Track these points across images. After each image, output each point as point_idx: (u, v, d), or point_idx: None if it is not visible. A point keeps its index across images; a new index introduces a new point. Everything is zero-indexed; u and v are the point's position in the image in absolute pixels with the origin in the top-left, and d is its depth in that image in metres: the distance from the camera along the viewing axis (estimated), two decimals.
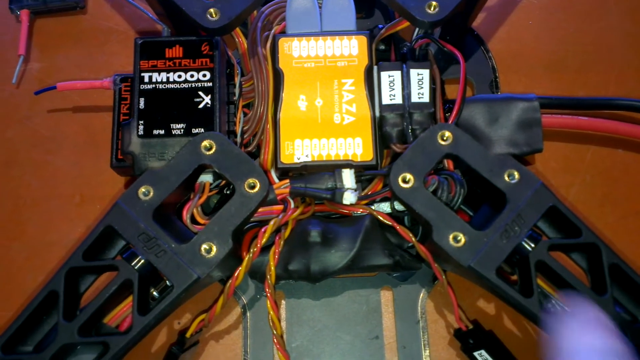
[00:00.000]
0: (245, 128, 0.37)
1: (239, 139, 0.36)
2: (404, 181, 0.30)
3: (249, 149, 0.37)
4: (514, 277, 0.32)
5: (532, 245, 0.30)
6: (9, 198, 0.38)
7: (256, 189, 0.30)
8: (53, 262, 0.36)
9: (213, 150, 0.31)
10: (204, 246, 0.29)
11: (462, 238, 0.29)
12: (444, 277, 0.33)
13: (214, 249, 0.29)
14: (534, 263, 0.29)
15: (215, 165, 0.31)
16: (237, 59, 0.38)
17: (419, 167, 0.31)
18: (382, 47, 0.39)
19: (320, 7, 0.38)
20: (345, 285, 0.37)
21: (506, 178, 0.30)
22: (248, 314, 0.36)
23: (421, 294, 0.37)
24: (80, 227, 0.37)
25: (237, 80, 0.37)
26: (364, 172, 0.35)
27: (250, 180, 0.30)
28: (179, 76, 0.34)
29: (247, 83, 0.38)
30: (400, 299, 0.36)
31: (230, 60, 0.37)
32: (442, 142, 0.31)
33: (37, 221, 0.38)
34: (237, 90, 0.37)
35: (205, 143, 0.31)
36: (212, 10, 0.33)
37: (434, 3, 0.33)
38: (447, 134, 0.31)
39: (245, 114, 0.37)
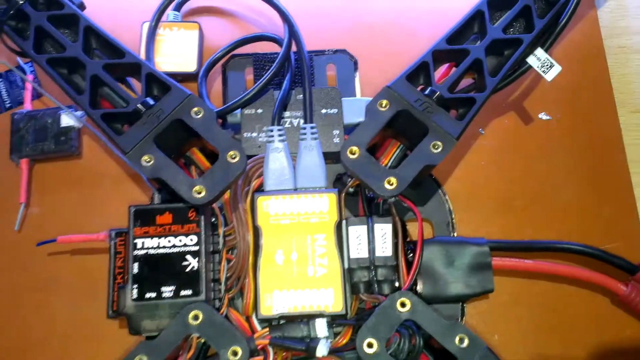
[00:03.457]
0: (228, 275, 0.41)
1: (222, 286, 0.40)
2: (369, 346, 0.35)
3: (232, 294, 0.41)
4: None
5: None
6: (14, 338, 0.42)
7: (238, 356, 0.34)
8: None
9: (200, 319, 0.35)
10: None
11: None
12: None
13: None
14: None
15: (201, 335, 0.35)
16: (219, 205, 0.42)
17: (381, 333, 0.35)
18: (352, 190, 0.44)
19: (294, 167, 0.42)
20: None
21: (457, 342, 0.35)
22: None
23: None
24: None
25: (220, 231, 0.41)
26: (335, 322, 0.39)
27: (234, 348, 0.34)
28: (169, 241, 0.38)
29: (229, 231, 0.42)
30: None
31: (214, 211, 0.41)
32: (401, 309, 0.36)
33: None
34: (220, 240, 0.41)
35: (193, 313, 0.35)
36: (197, 187, 0.37)
37: (392, 179, 0.38)
38: (406, 302, 0.36)
39: (229, 261, 0.41)
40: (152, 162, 0.37)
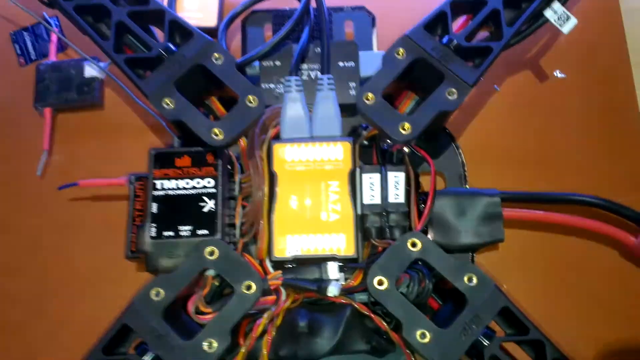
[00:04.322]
0: (243, 220, 0.42)
1: (237, 231, 0.41)
2: (379, 284, 0.36)
3: (246, 239, 0.42)
4: None
5: (487, 341, 0.35)
6: (34, 280, 0.43)
7: (252, 290, 0.35)
8: (72, 341, 0.41)
9: (215, 255, 0.36)
10: (206, 343, 0.34)
11: (427, 335, 0.35)
12: (412, 358, 0.38)
13: (215, 344, 0.34)
14: (488, 357, 0.35)
15: (216, 269, 0.36)
16: (236, 154, 0.43)
17: (392, 271, 0.36)
18: (366, 142, 0.45)
19: (310, 114, 0.43)
20: None
21: (466, 281, 0.36)
22: None
23: None
24: (98, 307, 0.42)
25: (237, 177, 0.42)
26: (347, 265, 0.40)
27: (247, 283, 0.35)
28: (187, 183, 0.39)
29: (245, 179, 0.43)
30: None
31: (231, 158, 0.42)
32: (412, 249, 0.36)
33: (58, 302, 0.43)
34: (236, 187, 0.42)
35: (208, 249, 0.36)
36: (216, 130, 0.38)
37: (406, 125, 0.38)
38: (417, 241, 0.36)
39: (244, 207, 0.42)
40: (173, 105, 0.38)
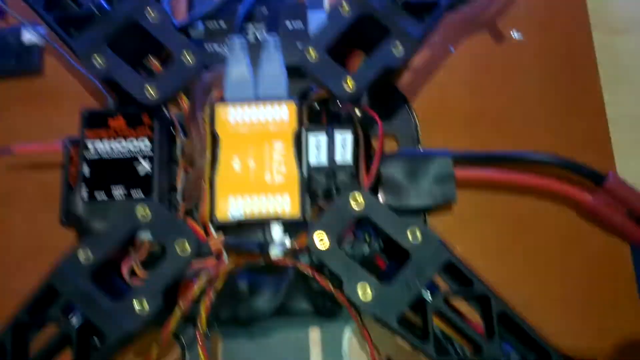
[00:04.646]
0: (186, 185, 0.41)
1: (179, 196, 0.40)
2: (320, 241, 0.34)
3: (189, 204, 0.40)
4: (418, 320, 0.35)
5: (430, 296, 0.34)
6: None
7: (186, 250, 0.34)
8: (9, 311, 0.39)
9: (147, 215, 0.34)
10: (137, 303, 0.33)
11: (369, 292, 0.33)
12: (359, 321, 0.37)
13: (146, 305, 0.33)
14: (431, 311, 0.33)
15: (149, 229, 0.34)
16: (179, 118, 0.41)
17: (334, 228, 0.34)
18: (317, 107, 0.43)
19: (255, 75, 0.42)
20: (277, 326, 0.40)
21: (409, 237, 0.34)
22: (187, 355, 0.39)
23: (346, 332, 0.40)
24: (35, 277, 0.40)
25: (178, 140, 0.41)
26: (292, 227, 0.39)
27: (181, 243, 0.34)
28: (121, 145, 0.38)
29: (188, 143, 0.41)
30: (327, 337, 0.40)
31: (173, 122, 0.41)
32: (354, 206, 0.35)
33: None
34: (178, 151, 0.41)
35: (140, 209, 0.34)
36: (149, 87, 0.37)
37: (350, 81, 0.37)
38: (359, 198, 0.35)
39: (187, 172, 0.41)
40: (103, 63, 0.37)
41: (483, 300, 0.34)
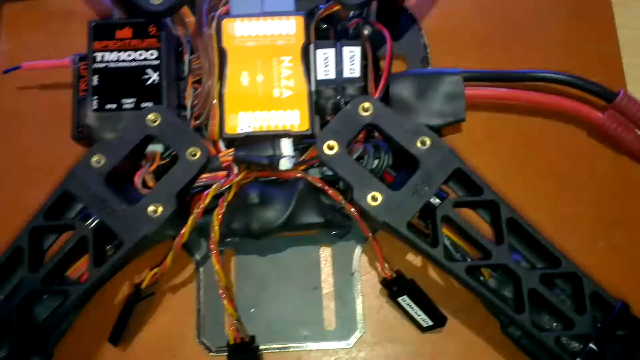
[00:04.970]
0: (195, 102, 0.41)
1: (188, 113, 0.40)
2: (329, 148, 0.34)
3: (199, 121, 0.40)
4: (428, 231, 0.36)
5: (439, 202, 0.34)
6: None
7: (197, 157, 0.34)
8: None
9: (158, 122, 0.35)
10: (151, 207, 0.33)
11: (378, 197, 0.34)
12: (370, 233, 0.37)
13: (160, 209, 0.33)
14: (440, 217, 0.34)
15: (160, 136, 0.34)
16: (187, 38, 0.41)
17: (343, 135, 0.34)
18: (324, 25, 0.43)
19: None
20: (289, 242, 0.41)
21: (419, 144, 0.34)
22: (200, 270, 0.40)
23: (356, 250, 0.41)
24: (48, 193, 0.41)
25: (186, 58, 0.41)
26: (301, 141, 0.39)
27: (192, 149, 0.34)
28: (129, 55, 0.38)
29: (196, 61, 0.41)
30: (338, 254, 0.41)
31: (181, 39, 0.41)
32: (363, 113, 0.35)
33: (8, 190, 0.42)
34: (186, 68, 0.40)
35: (151, 116, 0.35)
36: None
37: None
38: (368, 105, 0.35)
39: (195, 90, 0.41)
40: None
41: (492, 207, 0.34)
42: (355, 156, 0.36)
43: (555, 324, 0.34)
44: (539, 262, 0.35)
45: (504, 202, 0.34)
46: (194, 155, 0.34)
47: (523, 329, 0.33)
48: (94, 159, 0.34)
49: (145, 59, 0.37)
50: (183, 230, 0.35)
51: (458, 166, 0.34)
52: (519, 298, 0.33)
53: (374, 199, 0.34)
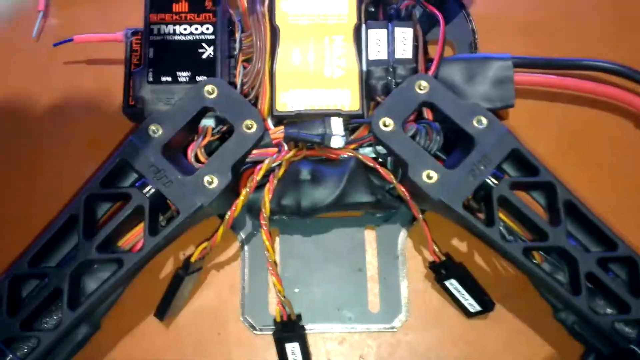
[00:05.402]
0: (244, 80, 0.40)
1: (238, 90, 0.40)
2: (385, 125, 0.34)
3: (248, 99, 0.40)
4: (481, 215, 0.35)
5: (496, 182, 0.34)
6: (28, 142, 0.42)
7: (253, 129, 0.34)
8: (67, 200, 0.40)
9: (215, 94, 0.34)
10: (207, 178, 0.33)
11: (434, 175, 0.33)
12: (420, 215, 0.37)
13: (215, 181, 0.33)
14: (496, 198, 0.33)
15: (216, 108, 0.34)
16: (238, 17, 0.41)
17: (398, 112, 0.34)
18: (372, 8, 0.43)
19: None
20: (333, 223, 0.41)
21: (475, 123, 0.34)
22: (246, 248, 0.40)
23: (401, 233, 0.41)
24: (95, 167, 0.41)
25: (237, 36, 0.41)
26: (351, 121, 0.39)
27: (248, 122, 0.34)
28: (185, 29, 0.38)
29: (246, 39, 0.41)
30: (382, 237, 0.40)
31: (232, 18, 0.41)
32: (419, 91, 0.35)
33: (55, 163, 0.42)
34: (237, 45, 0.40)
35: (208, 87, 0.35)
36: None
37: None
38: (424, 83, 0.35)
39: (245, 68, 0.41)
40: None
41: (549, 189, 0.34)
42: (409, 134, 0.36)
43: (609, 310, 0.34)
44: (594, 246, 0.34)
45: (561, 184, 0.34)
46: (250, 128, 0.34)
47: (578, 313, 0.33)
48: (152, 127, 0.34)
49: (201, 33, 0.37)
50: (236, 203, 0.35)
51: (515, 146, 0.34)
52: (575, 281, 0.33)
53: (430, 176, 0.34)
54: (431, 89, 0.35)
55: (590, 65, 0.42)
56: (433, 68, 0.38)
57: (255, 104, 0.40)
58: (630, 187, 0.42)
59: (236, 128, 0.34)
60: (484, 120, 0.34)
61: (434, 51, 0.43)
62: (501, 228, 0.34)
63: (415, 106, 0.35)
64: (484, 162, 0.34)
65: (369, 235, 0.41)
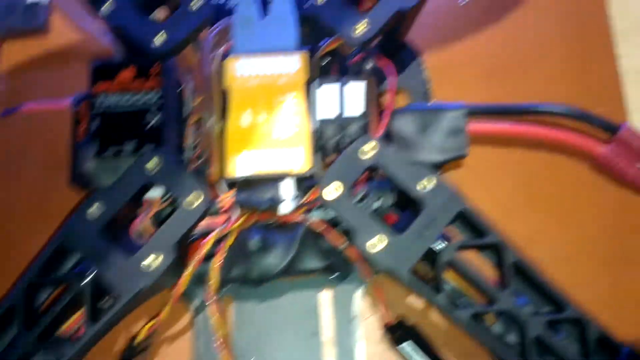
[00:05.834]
0: (196, 143, 0.40)
1: (190, 154, 0.40)
2: (331, 191, 0.34)
3: (200, 162, 0.40)
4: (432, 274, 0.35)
5: (442, 246, 0.33)
6: None
7: (197, 204, 0.34)
8: (19, 272, 0.39)
9: (157, 167, 0.34)
10: (149, 258, 0.32)
11: (380, 243, 0.33)
12: (371, 276, 0.36)
13: (158, 261, 0.32)
14: (444, 262, 0.33)
15: (159, 182, 0.34)
16: (189, 76, 0.41)
17: (345, 177, 0.34)
18: (328, 59, 0.42)
19: (264, 26, 0.41)
20: (289, 286, 0.40)
21: (422, 186, 0.34)
22: (198, 318, 0.39)
23: (357, 292, 0.40)
24: (44, 238, 0.40)
25: (188, 97, 0.40)
26: (303, 182, 0.38)
27: (192, 196, 0.34)
28: (131, 97, 0.37)
29: (196, 100, 0.41)
30: (338, 298, 0.40)
31: (182, 78, 0.40)
32: (365, 155, 0.35)
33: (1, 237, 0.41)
34: (187, 108, 0.40)
35: (150, 161, 0.34)
36: (158, 34, 0.36)
37: (360, 25, 0.36)
38: (371, 146, 0.35)
39: (197, 130, 0.40)
40: (112, 6, 0.36)
41: (497, 251, 0.34)
42: (358, 197, 0.36)
43: None
44: (544, 305, 0.34)
45: (508, 246, 0.33)
46: (194, 202, 0.34)
47: None
48: (91, 209, 0.33)
49: (147, 101, 0.37)
50: (180, 281, 0.34)
51: (462, 208, 0.34)
52: (524, 345, 0.32)
53: (375, 244, 0.33)
54: (377, 152, 0.34)
55: (543, 110, 0.42)
56: (382, 126, 0.38)
57: (207, 167, 0.40)
58: (589, 232, 0.42)
59: (180, 202, 0.34)
60: (431, 183, 0.34)
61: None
62: (451, 289, 0.34)
63: (361, 171, 0.34)
64: (431, 225, 0.33)
65: (325, 297, 0.40)
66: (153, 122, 0.37)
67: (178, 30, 0.36)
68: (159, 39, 0.35)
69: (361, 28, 0.36)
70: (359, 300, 0.40)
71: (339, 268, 0.37)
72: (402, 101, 0.44)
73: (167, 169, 0.34)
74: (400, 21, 0.38)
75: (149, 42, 0.35)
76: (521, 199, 0.42)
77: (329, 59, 0.42)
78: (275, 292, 0.39)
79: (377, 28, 0.35)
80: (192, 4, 0.36)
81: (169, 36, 0.35)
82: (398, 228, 0.35)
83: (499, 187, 0.43)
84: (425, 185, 0.34)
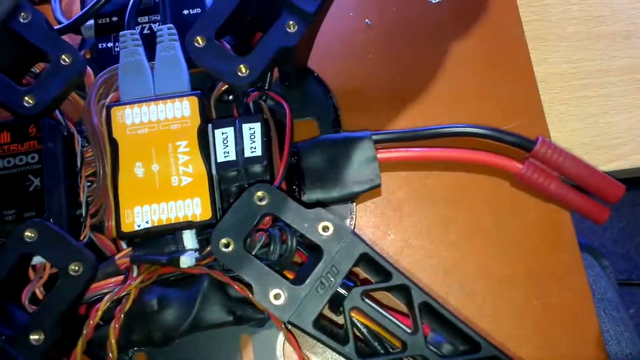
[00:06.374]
0: (90, 198, 0.38)
1: (84, 210, 0.37)
2: (225, 246, 0.32)
3: (96, 219, 0.38)
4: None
5: (346, 293, 0.31)
6: None
7: (80, 271, 0.31)
8: None
9: (35, 237, 0.32)
10: (33, 335, 0.30)
11: (281, 295, 0.31)
12: (283, 325, 0.34)
13: (43, 336, 0.30)
14: (349, 309, 0.31)
15: (39, 253, 0.32)
16: (79, 127, 0.39)
17: (238, 230, 0.32)
18: (230, 97, 0.41)
19: (152, 71, 0.39)
20: (205, 337, 0.38)
21: (321, 231, 0.32)
22: None
23: (279, 336, 0.38)
24: None
25: (78, 149, 0.38)
26: (204, 232, 0.36)
27: (74, 264, 0.31)
28: (8, 162, 0.35)
29: (88, 152, 0.38)
30: (259, 344, 0.38)
31: (70, 129, 0.38)
32: (259, 203, 0.33)
33: None
34: (78, 161, 0.38)
35: (28, 232, 0.32)
36: (27, 97, 0.34)
37: (242, 67, 0.34)
38: (262, 194, 0.33)
39: (90, 183, 0.38)
40: None
41: (404, 291, 0.32)
42: (259, 246, 0.34)
43: None
44: (460, 344, 0.32)
45: (415, 286, 0.32)
46: (77, 270, 0.31)
47: None
48: None
49: (26, 164, 0.35)
50: (76, 350, 0.32)
51: (364, 251, 0.32)
52: None
53: (277, 297, 0.31)
54: (271, 199, 0.32)
55: (455, 132, 0.40)
56: (281, 170, 0.36)
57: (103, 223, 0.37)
58: (515, 251, 0.41)
59: (62, 272, 0.31)
60: (330, 227, 0.32)
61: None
62: (363, 334, 0.32)
63: (257, 219, 0.33)
64: (332, 272, 0.32)
65: (245, 344, 0.38)
66: (34, 185, 0.34)
67: (49, 88, 0.33)
68: (28, 103, 0.33)
69: (244, 69, 0.34)
70: (282, 344, 0.38)
71: (250, 318, 0.35)
72: (313, 129, 0.42)
73: (45, 238, 0.31)
74: (291, 55, 0.36)
75: (19, 106, 0.33)
76: (444, 222, 0.41)
77: (229, 97, 0.40)
78: (191, 345, 0.37)
79: (261, 70, 0.33)
80: (62, 60, 0.34)
81: (40, 96, 0.33)
82: (302, 274, 0.33)
83: (420, 212, 0.41)
84: (325, 230, 0.32)
